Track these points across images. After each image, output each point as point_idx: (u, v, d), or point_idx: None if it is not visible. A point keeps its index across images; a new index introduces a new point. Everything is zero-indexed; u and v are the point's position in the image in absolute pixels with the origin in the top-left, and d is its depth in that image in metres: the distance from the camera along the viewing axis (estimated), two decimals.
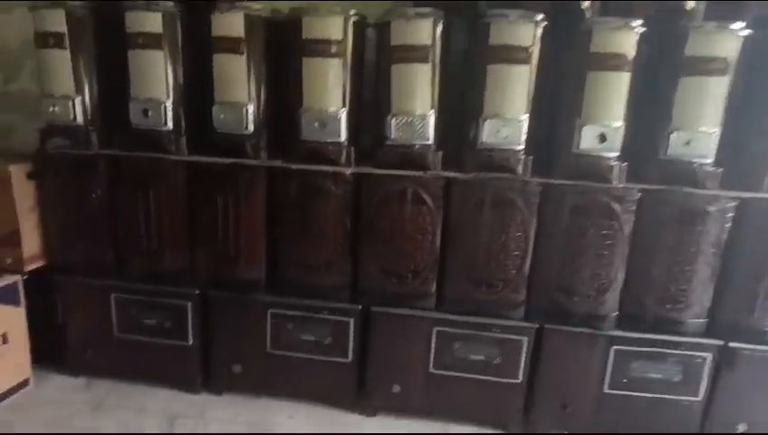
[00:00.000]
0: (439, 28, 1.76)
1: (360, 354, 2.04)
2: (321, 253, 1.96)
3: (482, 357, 1.96)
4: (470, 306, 1.94)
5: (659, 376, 1.90)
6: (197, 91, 1.97)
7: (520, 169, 1.82)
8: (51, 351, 2.20)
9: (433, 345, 1.98)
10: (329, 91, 1.83)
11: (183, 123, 1.98)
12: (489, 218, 1.85)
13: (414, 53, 1.77)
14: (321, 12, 1.77)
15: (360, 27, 1.86)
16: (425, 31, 1.75)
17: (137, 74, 1.92)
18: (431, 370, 2.00)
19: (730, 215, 1.76)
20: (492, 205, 1.84)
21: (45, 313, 2.16)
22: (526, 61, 1.73)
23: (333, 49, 1.79)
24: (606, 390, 1.94)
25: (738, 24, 1.64)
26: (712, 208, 1.76)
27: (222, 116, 1.91)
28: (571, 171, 1.80)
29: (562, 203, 1.82)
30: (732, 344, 1.84)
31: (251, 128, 1.92)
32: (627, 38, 1.68)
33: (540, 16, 1.71)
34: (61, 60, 1.95)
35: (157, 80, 1.91)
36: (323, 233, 1.94)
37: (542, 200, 1.83)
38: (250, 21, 1.84)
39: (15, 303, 2.07)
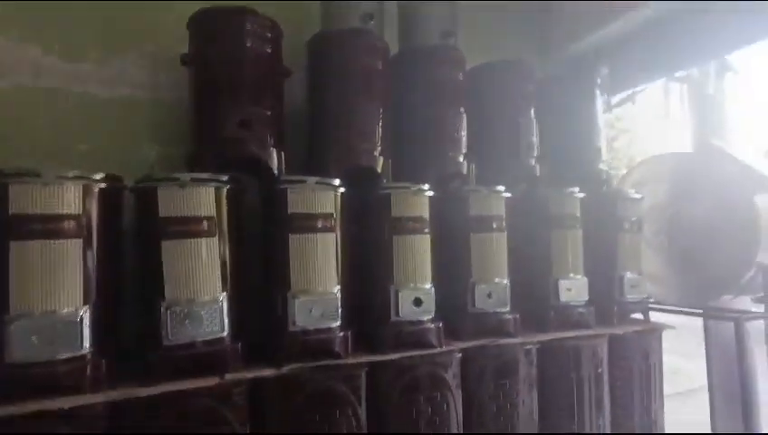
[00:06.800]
0: (224, 196, 1.45)
1: None
2: None
3: None
4: None
5: None
6: None
7: (340, 349, 1.53)
8: None
9: None
10: None
11: None
12: (312, 422, 1.45)
13: (194, 227, 1.38)
14: None
15: None
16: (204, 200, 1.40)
17: None
18: None
19: (535, 358, 1.84)
20: (314, 402, 1.46)
21: None
22: (330, 229, 1.55)
23: None
24: None
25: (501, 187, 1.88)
26: (520, 355, 1.80)
27: None
28: (394, 342, 1.62)
29: (392, 381, 1.58)
30: None
31: None
32: (422, 202, 1.70)
33: (337, 181, 1.59)
34: None
35: None
36: None
37: (369, 382, 1.56)
38: None
39: None
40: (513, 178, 1.99)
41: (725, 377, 3.16)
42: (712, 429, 3.32)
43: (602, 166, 2.21)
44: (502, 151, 2.02)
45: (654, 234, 2.73)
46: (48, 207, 1.21)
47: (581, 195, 2.05)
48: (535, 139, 2.08)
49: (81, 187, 1.26)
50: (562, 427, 1.87)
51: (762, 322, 3.19)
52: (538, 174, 2.05)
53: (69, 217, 1.23)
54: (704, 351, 3.32)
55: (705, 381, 3.44)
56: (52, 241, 1.21)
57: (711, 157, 2.63)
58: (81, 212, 1.26)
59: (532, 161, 2.05)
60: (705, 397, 3.46)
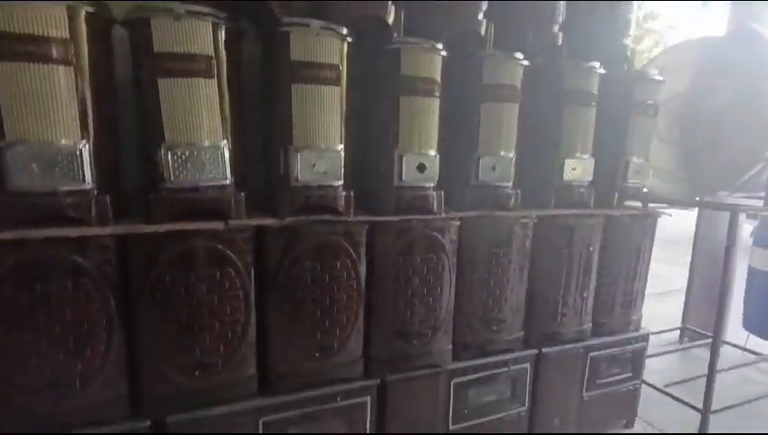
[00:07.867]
0: (222, 35, 1.34)
1: None
2: None
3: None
4: (299, 381, 1.56)
5: (494, 398, 1.91)
6: None
7: (342, 207, 1.55)
8: None
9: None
10: None
11: None
12: (314, 270, 1.52)
13: (191, 65, 1.30)
14: None
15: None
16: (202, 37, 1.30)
17: None
18: None
19: (530, 232, 1.88)
20: (315, 253, 1.51)
21: None
22: (336, 81, 1.47)
23: None
24: (451, 427, 1.84)
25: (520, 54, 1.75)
26: (516, 228, 1.84)
27: None
28: (395, 206, 1.63)
29: (391, 241, 1.63)
30: (544, 350, 1.98)
31: None
32: (435, 61, 1.60)
33: (345, 30, 1.47)
34: None
35: None
36: None
37: (368, 241, 1.60)
38: None
39: None
40: (534, 45, 1.85)
41: (705, 278, 3.32)
42: (682, 321, 3.57)
43: (627, 41, 2.05)
44: (523, 13, 1.85)
45: (667, 126, 2.65)
46: (30, 27, 1.12)
47: (602, 71, 1.93)
48: (561, 2, 1.89)
49: (66, 7, 1.15)
50: (549, 294, 1.97)
51: (747, 235, 3.26)
52: (560, 43, 1.91)
53: (55, 40, 1.14)
54: (685, 259, 3.44)
55: (681, 285, 3.62)
56: (38, 65, 1.13)
57: (743, 39, 2.44)
58: (68, 37, 1.17)
59: (556, 28, 1.89)
60: (679, 298, 3.67)
